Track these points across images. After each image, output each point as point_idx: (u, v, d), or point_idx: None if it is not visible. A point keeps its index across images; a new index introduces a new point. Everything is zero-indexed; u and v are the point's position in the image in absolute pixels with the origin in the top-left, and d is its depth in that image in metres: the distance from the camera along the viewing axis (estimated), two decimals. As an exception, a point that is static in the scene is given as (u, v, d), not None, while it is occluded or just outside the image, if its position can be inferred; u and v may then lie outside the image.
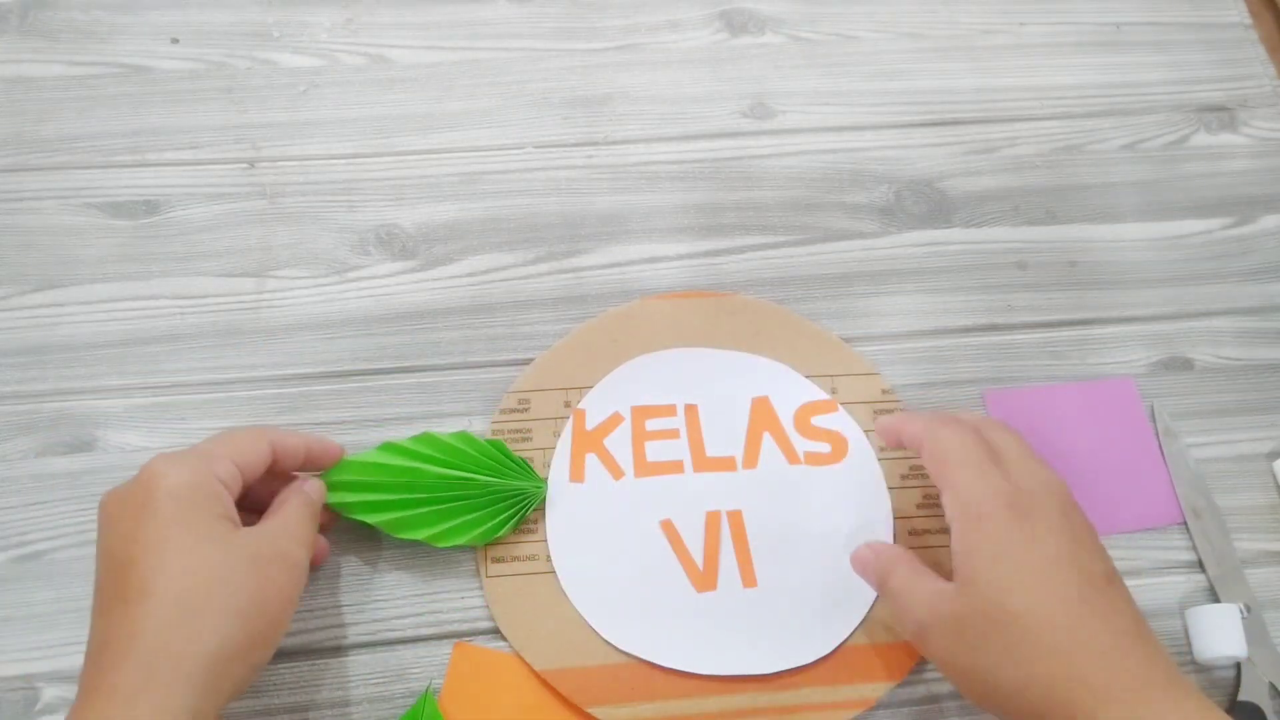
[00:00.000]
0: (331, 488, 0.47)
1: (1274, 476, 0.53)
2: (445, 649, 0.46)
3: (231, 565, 0.39)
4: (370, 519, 0.47)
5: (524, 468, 0.49)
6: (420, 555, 0.48)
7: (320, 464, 0.47)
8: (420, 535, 0.46)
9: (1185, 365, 0.56)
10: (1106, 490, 0.51)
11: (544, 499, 0.49)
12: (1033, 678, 0.37)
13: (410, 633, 0.47)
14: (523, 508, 0.48)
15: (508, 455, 0.49)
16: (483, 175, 0.59)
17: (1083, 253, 0.59)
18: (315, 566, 0.47)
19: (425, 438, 0.49)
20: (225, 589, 0.39)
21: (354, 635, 0.47)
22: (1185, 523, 0.51)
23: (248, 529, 0.41)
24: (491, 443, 0.49)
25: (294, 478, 0.46)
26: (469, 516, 0.47)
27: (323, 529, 0.46)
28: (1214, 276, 0.58)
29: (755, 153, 0.60)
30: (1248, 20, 0.67)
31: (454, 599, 0.48)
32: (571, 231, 0.57)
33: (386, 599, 0.47)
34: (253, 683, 0.40)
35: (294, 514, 0.43)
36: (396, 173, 0.58)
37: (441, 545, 0.47)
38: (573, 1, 0.65)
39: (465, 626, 0.47)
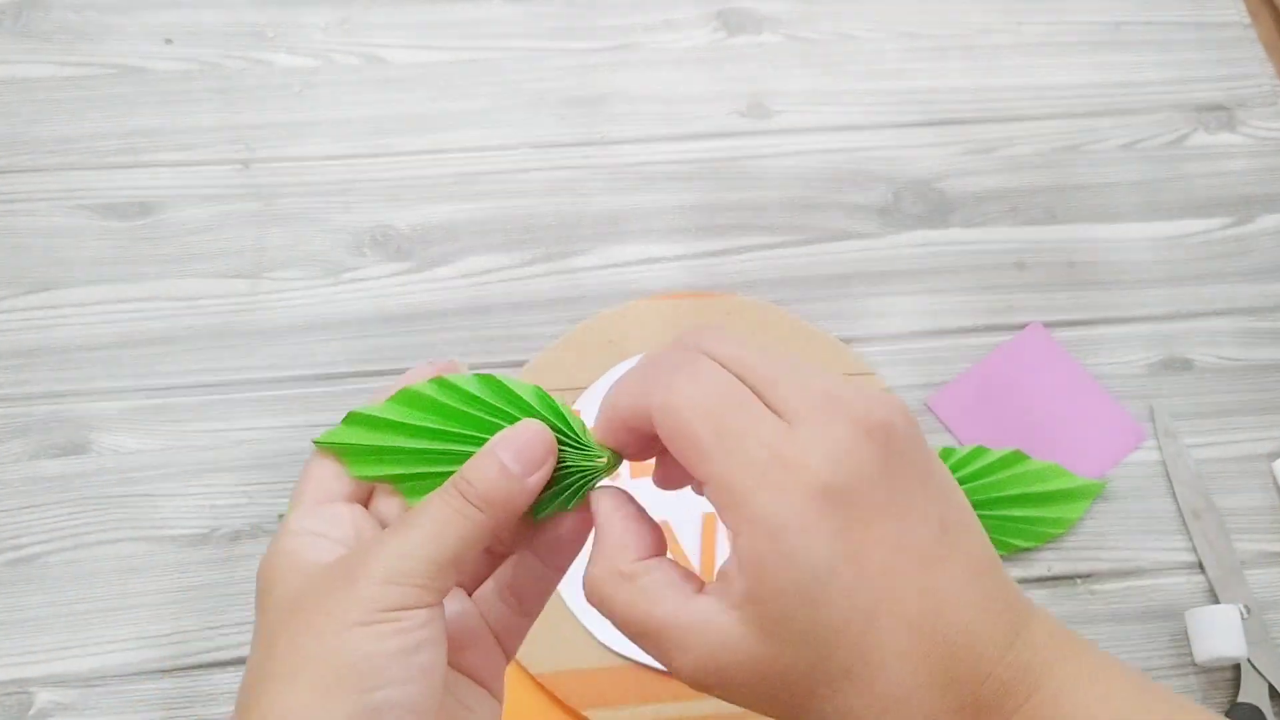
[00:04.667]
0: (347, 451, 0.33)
1: (1274, 477, 0.52)
2: (441, 652, 0.46)
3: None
4: (381, 472, 0.33)
5: (577, 435, 0.33)
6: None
7: None
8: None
9: (1184, 365, 0.55)
10: (1072, 437, 0.52)
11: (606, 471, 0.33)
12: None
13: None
14: (582, 486, 0.32)
15: (559, 415, 0.32)
16: (479, 176, 0.58)
17: (1082, 253, 0.58)
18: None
19: (441, 384, 0.33)
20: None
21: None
22: (1154, 446, 0.51)
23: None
24: (537, 393, 0.32)
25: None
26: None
27: None
28: (1213, 276, 0.58)
29: (753, 153, 0.60)
30: (1246, 20, 0.67)
31: (450, 602, 0.47)
32: (568, 232, 0.57)
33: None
34: None
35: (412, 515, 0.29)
36: (392, 173, 0.58)
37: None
38: (569, 1, 0.65)
39: (462, 630, 0.47)
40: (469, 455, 0.31)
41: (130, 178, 0.57)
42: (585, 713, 0.45)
